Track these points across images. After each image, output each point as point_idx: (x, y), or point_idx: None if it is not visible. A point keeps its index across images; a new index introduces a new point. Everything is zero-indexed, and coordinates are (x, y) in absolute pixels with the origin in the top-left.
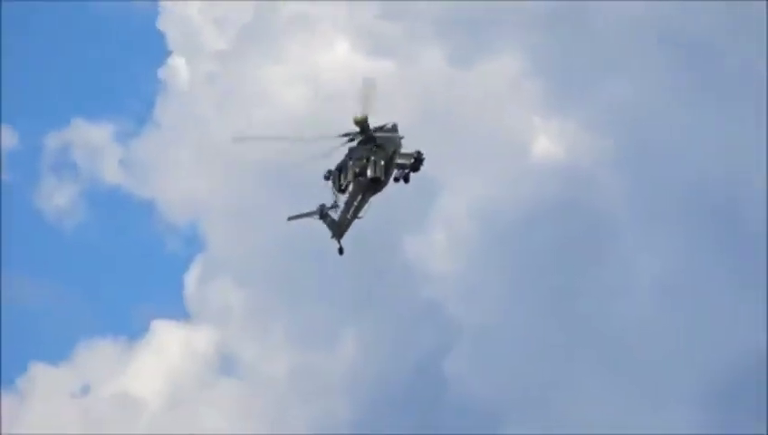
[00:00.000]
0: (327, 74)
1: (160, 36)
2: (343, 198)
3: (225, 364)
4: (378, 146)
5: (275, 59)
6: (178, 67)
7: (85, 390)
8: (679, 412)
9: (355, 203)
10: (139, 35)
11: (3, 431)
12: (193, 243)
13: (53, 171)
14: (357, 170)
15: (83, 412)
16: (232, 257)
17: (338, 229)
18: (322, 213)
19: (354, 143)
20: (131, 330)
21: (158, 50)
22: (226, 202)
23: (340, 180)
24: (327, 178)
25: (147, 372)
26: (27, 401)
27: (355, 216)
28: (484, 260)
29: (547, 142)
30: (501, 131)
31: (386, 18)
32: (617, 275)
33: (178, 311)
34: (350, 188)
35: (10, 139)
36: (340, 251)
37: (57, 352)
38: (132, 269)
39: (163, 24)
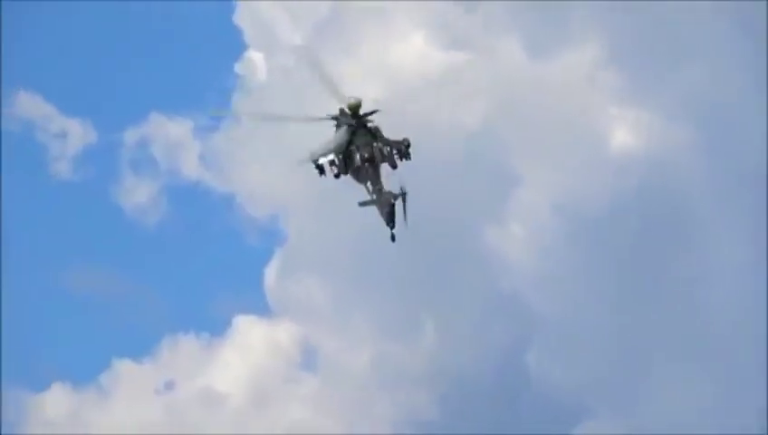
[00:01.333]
0: (402, 67)
1: (238, 32)
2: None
3: (307, 358)
4: (370, 132)
5: (350, 52)
6: (256, 62)
7: (169, 386)
8: None
9: (378, 186)
10: (216, 31)
11: (3, 431)
12: (273, 236)
13: (132, 167)
14: (366, 156)
15: (167, 408)
16: (312, 250)
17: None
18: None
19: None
20: (214, 325)
21: (236, 45)
22: (305, 195)
23: (345, 166)
24: (321, 169)
25: (230, 368)
26: (110, 397)
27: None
28: (563, 251)
29: (626, 132)
30: (579, 122)
31: (462, 10)
32: (699, 263)
33: (260, 305)
34: (362, 173)
35: (89, 134)
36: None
37: (141, 349)
38: (213, 264)
39: (240, 19)
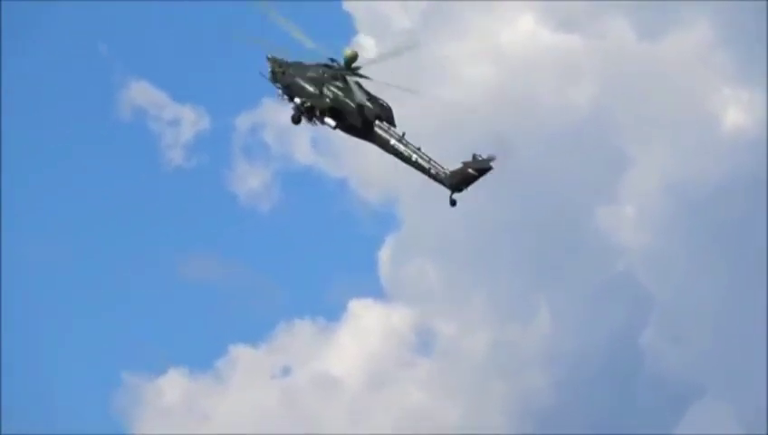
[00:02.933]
0: (512, 49)
1: (348, 17)
2: None
3: (423, 342)
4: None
5: (460, 35)
6: (366, 46)
7: (286, 371)
8: None
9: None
10: (326, 17)
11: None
12: (387, 220)
13: (245, 153)
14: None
15: (284, 393)
16: (426, 234)
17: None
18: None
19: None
20: (329, 310)
21: (346, 30)
22: (418, 179)
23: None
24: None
25: (346, 352)
26: (227, 382)
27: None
28: (676, 231)
29: (738, 114)
30: (691, 102)
31: None
32: None
33: (375, 289)
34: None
35: (201, 121)
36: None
37: (257, 334)
38: (327, 249)
39: (349, 4)
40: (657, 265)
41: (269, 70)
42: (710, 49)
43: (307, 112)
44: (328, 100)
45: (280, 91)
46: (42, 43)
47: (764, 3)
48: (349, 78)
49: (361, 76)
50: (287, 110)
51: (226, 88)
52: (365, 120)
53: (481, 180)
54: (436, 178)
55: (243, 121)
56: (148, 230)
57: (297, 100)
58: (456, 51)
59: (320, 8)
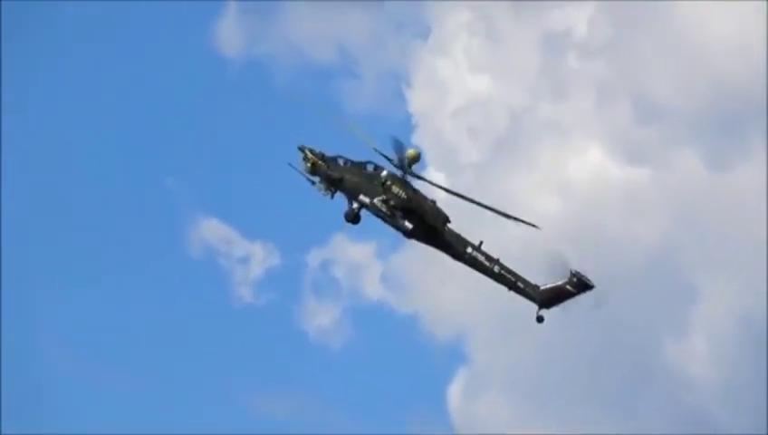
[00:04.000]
0: (580, 182)
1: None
2: None
3: None
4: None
5: (528, 167)
6: (436, 181)
7: None
8: None
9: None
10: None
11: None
12: (456, 356)
13: (315, 289)
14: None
15: None
16: (497, 370)
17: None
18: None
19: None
20: None
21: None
22: (487, 314)
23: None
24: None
25: None
26: None
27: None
28: (748, 365)
29: None
30: (760, 235)
31: (639, 123)
32: None
33: (445, 425)
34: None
35: (272, 257)
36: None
37: None
38: (397, 385)
39: (419, 138)
40: (728, 399)
41: (307, 161)
42: None
43: (375, 211)
44: (400, 199)
45: (322, 185)
46: (112, 183)
47: None
48: (410, 179)
49: (422, 178)
50: (356, 244)
51: (296, 224)
52: (442, 222)
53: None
54: (522, 291)
55: (313, 257)
56: (219, 367)
57: (364, 198)
58: (523, 183)
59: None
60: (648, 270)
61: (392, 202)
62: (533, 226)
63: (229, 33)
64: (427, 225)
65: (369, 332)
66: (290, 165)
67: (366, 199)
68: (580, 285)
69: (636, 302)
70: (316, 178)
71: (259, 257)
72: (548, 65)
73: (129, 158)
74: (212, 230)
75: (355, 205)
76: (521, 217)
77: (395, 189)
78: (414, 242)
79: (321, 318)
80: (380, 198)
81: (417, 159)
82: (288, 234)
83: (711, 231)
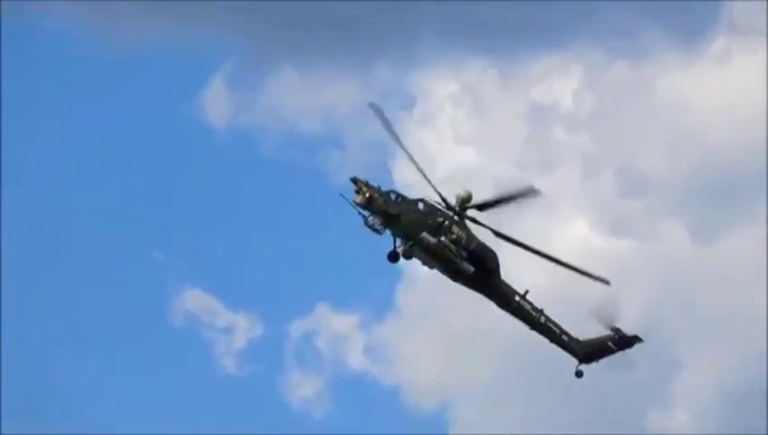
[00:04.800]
0: (565, 254)
1: None
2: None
3: None
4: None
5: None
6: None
7: None
8: None
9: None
10: None
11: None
12: (440, 427)
13: (298, 360)
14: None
15: None
16: None
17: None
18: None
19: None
20: None
21: None
22: (471, 385)
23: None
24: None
25: None
26: None
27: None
28: None
29: None
30: (747, 308)
31: (624, 195)
32: None
33: None
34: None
35: (255, 328)
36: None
37: None
38: None
39: None
40: None
41: (361, 194)
42: (763, 253)
43: (438, 251)
44: (461, 240)
45: (376, 220)
46: (96, 253)
47: None
48: (465, 220)
49: (474, 221)
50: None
51: (279, 294)
52: (498, 267)
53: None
54: (566, 344)
55: (295, 328)
56: None
57: (428, 237)
58: (509, 254)
59: None
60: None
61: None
62: (605, 281)
63: (216, 103)
64: (484, 269)
65: (352, 403)
66: (341, 195)
67: (430, 238)
68: (623, 341)
69: (620, 373)
70: (368, 213)
71: (242, 328)
72: (534, 137)
73: (113, 227)
74: (195, 300)
75: (407, 244)
76: (589, 271)
77: (455, 230)
78: (403, 310)
79: (303, 389)
80: (446, 237)
81: (469, 199)
82: (271, 304)
83: (696, 303)
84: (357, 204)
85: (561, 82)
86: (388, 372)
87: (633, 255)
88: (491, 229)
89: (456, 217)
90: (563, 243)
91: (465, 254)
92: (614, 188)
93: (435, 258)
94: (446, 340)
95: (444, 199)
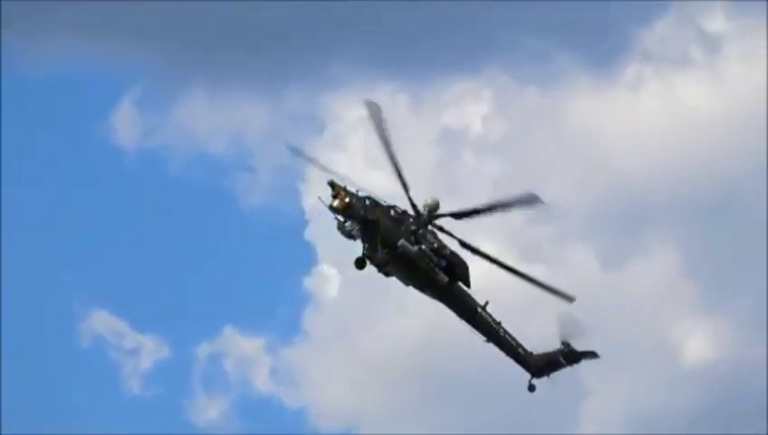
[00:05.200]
0: (473, 278)
1: (309, 247)
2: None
3: None
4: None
5: None
6: (328, 277)
7: None
8: None
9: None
10: (287, 246)
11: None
12: None
13: (204, 383)
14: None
15: None
16: None
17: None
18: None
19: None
20: None
21: (307, 260)
22: (377, 411)
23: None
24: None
25: None
26: None
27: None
28: None
29: (702, 345)
30: (654, 334)
31: (534, 220)
32: None
33: None
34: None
35: (162, 349)
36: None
37: None
38: None
39: (311, 233)
40: None
41: (339, 199)
42: (675, 278)
43: (416, 259)
44: (436, 249)
45: (354, 226)
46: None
47: (724, 227)
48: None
49: (441, 230)
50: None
51: (186, 316)
52: (467, 277)
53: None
54: (521, 357)
55: (202, 350)
56: None
57: (407, 245)
58: None
59: (281, 238)
60: None
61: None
62: (569, 298)
63: (125, 124)
64: (456, 279)
65: (258, 425)
66: (319, 198)
67: (409, 246)
68: (573, 356)
69: (527, 397)
70: (344, 219)
71: (149, 350)
72: (444, 162)
73: (18, 247)
74: (102, 322)
75: (383, 251)
76: (554, 287)
77: (430, 238)
78: (310, 334)
79: (209, 411)
80: (424, 245)
81: (436, 207)
82: (178, 326)
83: (604, 329)
84: (334, 208)
85: (471, 106)
86: (295, 395)
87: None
88: (458, 239)
89: (427, 226)
90: (472, 268)
91: (443, 263)
92: (524, 213)
93: (412, 267)
94: (354, 363)
95: (414, 207)
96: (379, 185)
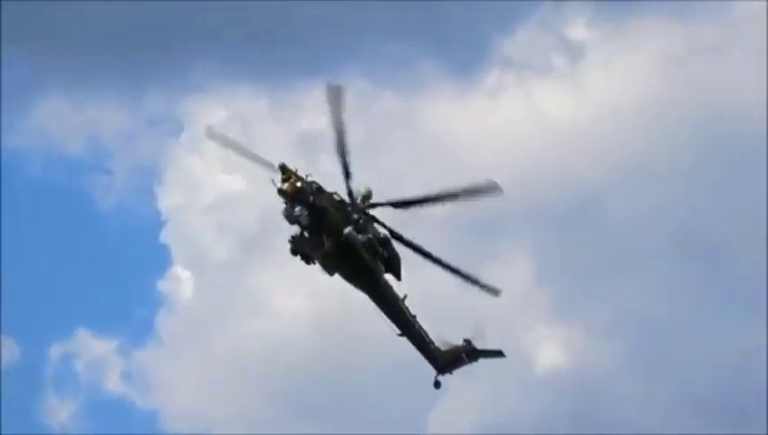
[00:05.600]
0: (326, 283)
1: (165, 249)
2: None
3: None
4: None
5: (278, 267)
6: (182, 279)
7: None
8: None
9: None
10: (143, 248)
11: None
12: None
13: (55, 384)
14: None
15: None
16: None
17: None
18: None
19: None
20: None
21: (162, 262)
22: (230, 414)
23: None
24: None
25: None
26: None
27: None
28: None
29: (555, 352)
30: (506, 341)
31: (390, 225)
32: None
33: None
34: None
35: (11, 352)
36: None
37: None
38: None
39: (167, 235)
40: None
41: (292, 184)
42: (529, 286)
43: (361, 247)
44: (379, 239)
45: (303, 214)
46: None
47: (580, 237)
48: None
49: (374, 220)
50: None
51: (39, 318)
52: (399, 268)
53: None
54: (431, 353)
55: (54, 351)
56: None
57: (354, 234)
58: (273, 283)
59: (137, 239)
60: (392, 373)
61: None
62: (495, 291)
63: None
64: (389, 270)
65: (109, 427)
66: (272, 181)
67: (356, 235)
68: (474, 353)
69: (379, 404)
70: (294, 205)
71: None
72: (301, 166)
73: None
74: None
75: (329, 240)
76: (480, 280)
77: (370, 228)
78: (163, 336)
79: (60, 413)
80: (370, 234)
81: (370, 196)
82: (30, 328)
83: (457, 334)
84: (284, 192)
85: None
86: (147, 398)
87: (396, 285)
88: (389, 230)
89: (364, 215)
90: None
91: (385, 254)
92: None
93: (355, 257)
94: (207, 365)
95: (351, 196)
96: (235, 188)
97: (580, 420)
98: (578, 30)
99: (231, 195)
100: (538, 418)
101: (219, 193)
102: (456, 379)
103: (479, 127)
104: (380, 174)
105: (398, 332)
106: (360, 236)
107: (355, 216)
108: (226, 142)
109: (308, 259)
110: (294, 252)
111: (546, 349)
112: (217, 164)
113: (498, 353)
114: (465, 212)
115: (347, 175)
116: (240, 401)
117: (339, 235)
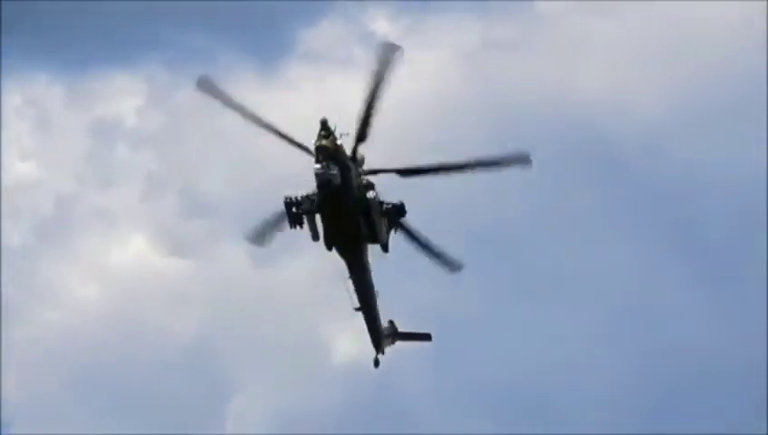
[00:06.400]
0: (121, 272)
1: None
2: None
3: None
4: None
5: (72, 255)
6: None
7: None
8: None
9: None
10: None
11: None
12: None
13: None
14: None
15: None
16: None
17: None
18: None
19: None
20: None
21: None
22: (30, 406)
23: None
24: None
25: None
26: None
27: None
28: None
29: (348, 344)
30: (301, 332)
31: (186, 215)
32: None
33: None
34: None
35: None
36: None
37: None
38: None
39: None
40: None
41: (332, 141)
42: (323, 279)
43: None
44: None
45: (337, 176)
46: None
47: None
48: None
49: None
50: None
51: None
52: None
53: None
54: (378, 334)
55: None
56: None
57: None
58: (66, 271)
59: None
60: (185, 362)
61: None
62: (457, 266)
63: None
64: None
65: None
66: (304, 145)
67: (377, 201)
68: (397, 335)
69: (170, 394)
70: (328, 163)
71: None
72: (96, 153)
73: None
74: None
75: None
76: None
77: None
78: None
79: None
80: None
81: (363, 162)
82: None
83: (251, 326)
84: (324, 149)
85: (127, 99)
86: None
87: (192, 275)
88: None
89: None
90: (122, 260)
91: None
92: (176, 208)
93: (368, 220)
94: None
95: (355, 159)
96: (31, 175)
97: (372, 409)
98: (379, 24)
99: (26, 182)
100: (333, 410)
101: (16, 179)
102: (248, 371)
103: (280, 119)
104: (178, 162)
105: (356, 306)
106: (380, 201)
107: (364, 181)
108: (219, 96)
109: (300, 222)
110: (295, 215)
111: (342, 341)
112: (14, 151)
113: (425, 337)
114: (258, 204)
115: (362, 137)
116: (32, 393)
117: (363, 197)
